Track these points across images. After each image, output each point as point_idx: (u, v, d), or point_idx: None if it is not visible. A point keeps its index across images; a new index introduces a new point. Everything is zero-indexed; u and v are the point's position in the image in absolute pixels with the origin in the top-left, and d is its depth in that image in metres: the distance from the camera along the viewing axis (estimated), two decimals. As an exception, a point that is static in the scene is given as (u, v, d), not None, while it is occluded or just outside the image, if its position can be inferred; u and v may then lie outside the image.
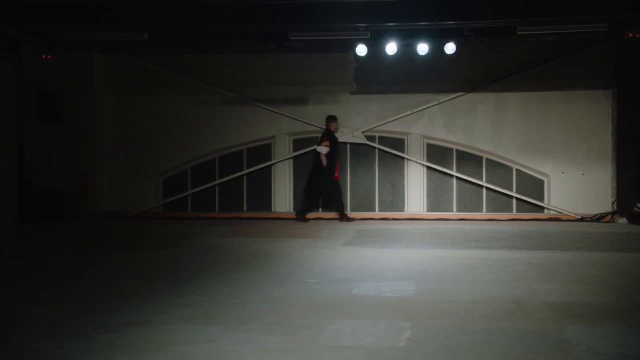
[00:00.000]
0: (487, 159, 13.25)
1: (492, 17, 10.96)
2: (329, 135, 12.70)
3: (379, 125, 13.39)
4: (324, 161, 12.52)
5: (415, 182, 13.38)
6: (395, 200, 13.46)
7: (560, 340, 4.65)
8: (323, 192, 12.82)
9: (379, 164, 13.49)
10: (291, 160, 13.69)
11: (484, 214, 13.09)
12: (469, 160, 13.28)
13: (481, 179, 13.22)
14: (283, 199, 13.64)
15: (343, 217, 12.64)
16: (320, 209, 13.28)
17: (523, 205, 13.13)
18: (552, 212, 12.98)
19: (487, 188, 13.20)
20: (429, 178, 13.37)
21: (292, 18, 11.15)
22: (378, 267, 7.68)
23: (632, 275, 7.24)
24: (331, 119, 12.85)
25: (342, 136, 13.41)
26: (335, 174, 12.71)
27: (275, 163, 13.65)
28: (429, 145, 13.37)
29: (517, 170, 13.18)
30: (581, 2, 10.58)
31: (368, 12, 10.92)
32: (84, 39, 12.32)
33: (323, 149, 12.54)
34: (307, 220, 12.64)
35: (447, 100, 13.26)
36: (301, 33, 11.80)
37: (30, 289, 6.56)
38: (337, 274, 7.20)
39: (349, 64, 13.36)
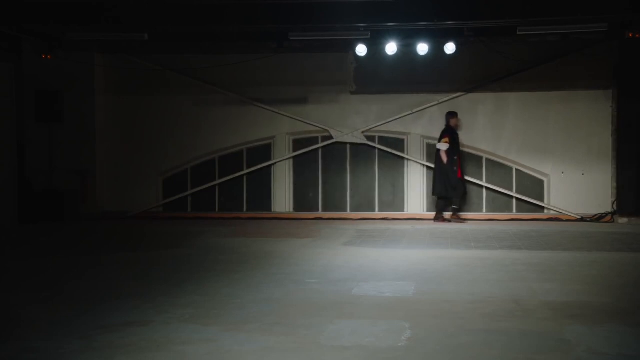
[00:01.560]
0: (487, 159, 13.25)
1: (492, 17, 10.96)
2: (449, 131, 12.53)
3: (378, 126, 13.39)
4: (445, 158, 12.35)
5: (415, 182, 13.38)
6: (395, 200, 13.46)
7: (560, 340, 4.65)
8: (449, 188, 12.49)
9: (379, 164, 13.48)
10: (291, 160, 13.69)
11: (484, 214, 13.08)
12: (469, 160, 13.26)
13: (481, 179, 13.21)
14: (283, 199, 13.63)
15: (454, 217, 12.48)
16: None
17: (523, 205, 13.12)
18: (552, 212, 12.97)
19: (487, 188, 13.20)
20: (429, 178, 13.35)
21: (292, 18, 11.14)
22: (378, 267, 7.68)
23: (632, 275, 7.24)
24: (451, 115, 12.66)
25: (342, 136, 13.42)
26: (458, 171, 12.55)
27: (275, 163, 13.65)
28: (429, 145, 13.36)
29: (517, 170, 13.18)
30: (581, 2, 10.58)
31: (368, 12, 10.92)
32: (84, 39, 12.31)
33: (443, 146, 12.40)
34: (449, 220, 12.48)
35: (447, 100, 13.25)
36: (301, 33, 11.80)
37: (30, 289, 6.56)
38: (337, 274, 7.20)
39: (349, 64, 13.35)
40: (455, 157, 12.50)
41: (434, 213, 12.83)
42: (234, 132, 13.68)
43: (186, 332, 4.87)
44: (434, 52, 12.26)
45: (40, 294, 6.27)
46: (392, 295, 6.20)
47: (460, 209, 12.79)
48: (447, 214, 12.66)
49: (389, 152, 13.38)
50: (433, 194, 12.80)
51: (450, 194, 12.58)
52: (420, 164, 13.32)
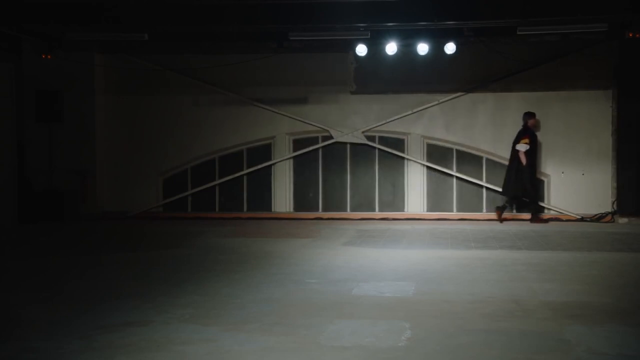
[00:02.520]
0: (487, 159, 13.24)
1: (492, 17, 10.96)
2: (529, 132, 12.36)
3: (379, 125, 13.39)
4: (524, 159, 12.17)
5: (415, 182, 13.38)
6: (395, 200, 13.46)
7: (560, 340, 4.65)
8: (522, 191, 12.35)
9: (379, 164, 13.48)
10: (291, 160, 13.69)
11: (484, 214, 13.08)
12: (469, 160, 13.27)
13: (481, 179, 13.21)
14: (283, 199, 13.63)
15: (536, 219, 12.33)
16: (514, 210, 12.89)
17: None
18: (552, 212, 12.97)
19: (487, 188, 13.19)
20: (429, 178, 13.36)
21: (292, 18, 11.14)
22: (378, 267, 7.68)
23: (632, 275, 7.24)
24: (529, 115, 12.45)
25: (342, 136, 13.42)
26: (535, 173, 12.42)
27: (275, 163, 13.65)
28: (429, 145, 13.36)
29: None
30: (581, 2, 10.58)
31: (368, 12, 10.91)
32: (84, 39, 12.31)
33: (522, 147, 12.20)
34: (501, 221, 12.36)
35: (447, 100, 13.26)
36: (301, 33, 11.79)
37: (30, 289, 6.56)
38: (337, 274, 7.20)
39: (349, 64, 13.35)
40: (535, 159, 12.37)
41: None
42: (234, 132, 13.68)
43: (186, 332, 4.87)
44: (434, 52, 12.24)
45: (40, 294, 6.27)
46: (392, 295, 6.20)
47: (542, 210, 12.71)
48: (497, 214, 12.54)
49: (389, 152, 13.38)
50: (504, 194, 12.61)
51: (525, 195, 12.43)
52: (421, 164, 13.32)
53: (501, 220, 12.38)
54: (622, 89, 12.50)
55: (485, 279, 6.88)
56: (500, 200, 12.78)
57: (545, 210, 13.04)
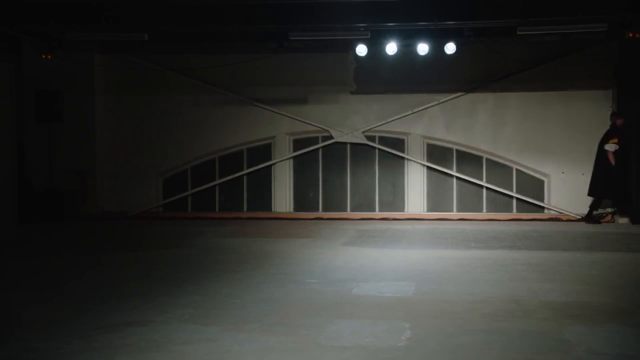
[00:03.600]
0: (487, 159, 13.25)
1: (492, 17, 10.96)
2: (618, 132, 12.14)
3: (379, 125, 13.39)
4: (612, 160, 11.98)
5: (415, 182, 13.38)
6: (395, 200, 13.46)
7: (560, 340, 4.66)
8: (610, 192, 12.13)
9: (379, 164, 13.48)
10: (291, 160, 13.69)
11: (484, 214, 13.08)
12: (469, 160, 13.27)
13: (481, 179, 13.21)
14: (283, 199, 13.63)
15: (589, 219, 12.22)
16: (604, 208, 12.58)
17: (523, 205, 13.12)
18: (552, 212, 12.97)
19: (487, 188, 13.19)
20: (429, 178, 13.36)
21: (292, 18, 11.15)
22: (378, 267, 7.68)
23: (632, 275, 7.25)
24: (617, 115, 12.23)
25: (342, 136, 13.42)
26: (624, 173, 12.20)
27: (275, 163, 13.65)
28: (429, 145, 13.36)
29: (517, 170, 13.17)
30: (581, 2, 10.58)
31: (368, 12, 10.92)
32: (84, 39, 12.31)
33: (611, 147, 12.00)
34: (599, 222, 12.22)
35: (447, 100, 13.26)
36: (301, 33, 11.80)
37: (30, 289, 6.57)
38: (337, 274, 7.20)
39: (349, 64, 13.35)
40: (623, 159, 12.17)
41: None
42: (234, 132, 13.68)
43: (186, 332, 4.87)
44: (434, 52, 12.24)
45: (40, 294, 6.27)
46: (392, 295, 6.20)
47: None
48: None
49: (389, 152, 13.38)
50: (592, 195, 12.36)
51: (613, 196, 12.30)
52: (421, 164, 13.32)
53: (597, 221, 12.22)
54: (622, 89, 12.50)
55: (485, 279, 6.88)
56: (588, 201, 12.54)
57: (545, 211, 13.04)
